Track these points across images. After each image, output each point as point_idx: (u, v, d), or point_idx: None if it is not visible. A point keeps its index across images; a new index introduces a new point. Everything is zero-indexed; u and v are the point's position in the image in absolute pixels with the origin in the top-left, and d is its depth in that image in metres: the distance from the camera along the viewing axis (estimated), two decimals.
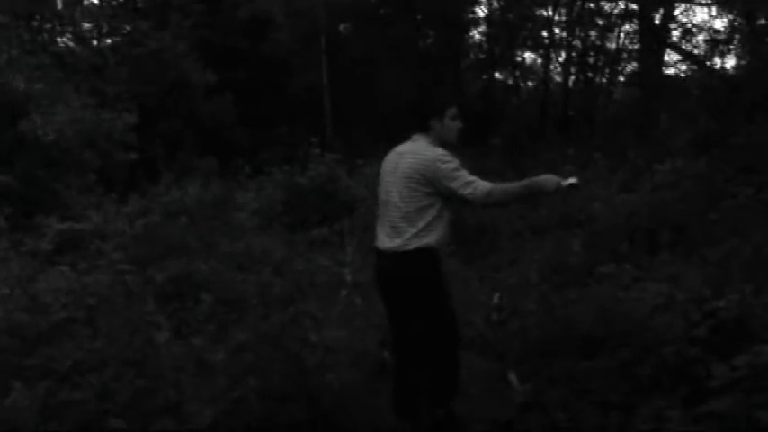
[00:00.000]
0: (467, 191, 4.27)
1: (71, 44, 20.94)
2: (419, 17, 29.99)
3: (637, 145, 14.43)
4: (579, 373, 4.62)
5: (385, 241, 4.48)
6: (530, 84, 32.64)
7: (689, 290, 4.62)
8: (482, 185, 4.29)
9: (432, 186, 4.34)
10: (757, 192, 8.97)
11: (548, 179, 4.27)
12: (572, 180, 4.26)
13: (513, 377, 5.16)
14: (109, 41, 22.46)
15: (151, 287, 7.13)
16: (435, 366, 4.46)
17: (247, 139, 20.89)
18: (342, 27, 29.73)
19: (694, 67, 22.48)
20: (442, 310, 4.44)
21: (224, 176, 13.61)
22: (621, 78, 31.23)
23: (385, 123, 25.20)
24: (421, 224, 4.35)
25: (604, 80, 31.45)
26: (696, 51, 20.34)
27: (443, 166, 4.32)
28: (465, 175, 4.32)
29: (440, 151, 4.38)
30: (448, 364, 4.47)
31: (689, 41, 20.35)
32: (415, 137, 4.56)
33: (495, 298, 7.04)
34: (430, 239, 4.34)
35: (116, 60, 19.28)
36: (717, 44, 18.48)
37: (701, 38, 24.03)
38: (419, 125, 4.55)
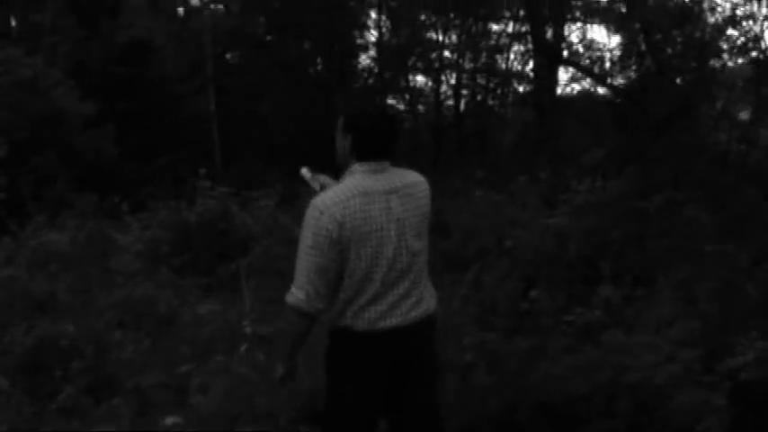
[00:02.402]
0: None
1: None
2: (307, 43, 29.29)
3: (546, 164, 13.79)
4: None
5: (404, 312, 3.28)
6: (420, 108, 32.24)
7: (683, 342, 3.74)
8: None
9: None
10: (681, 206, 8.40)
11: None
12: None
13: None
14: None
15: (11, 357, 5.90)
16: None
17: (131, 172, 19.44)
18: (229, 55, 28.75)
19: (590, 84, 22.29)
20: None
21: (104, 215, 12.23)
22: (510, 99, 31.20)
23: (276, 152, 24.22)
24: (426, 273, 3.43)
25: (496, 101, 31.33)
26: (594, 68, 20.00)
27: None
28: None
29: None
30: None
31: (590, 59, 20.04)
32: (382, 165, 3.33)
33: None
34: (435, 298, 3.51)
35: None
36: (620, 60, 18.11)
37: (586, 54, 24.04)
38: (391, 150, 3.39)
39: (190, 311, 7.73)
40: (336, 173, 3.47)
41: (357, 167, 3.26)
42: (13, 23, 24.08)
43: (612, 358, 4.01)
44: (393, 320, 3.23)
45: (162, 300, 7.88)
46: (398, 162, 3.52)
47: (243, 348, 6.76)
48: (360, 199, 3.18)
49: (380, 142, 3.30)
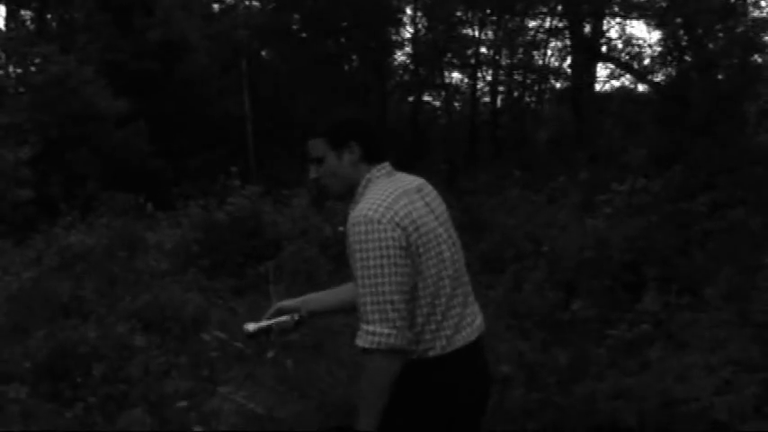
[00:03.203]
0: None
1: None
2: (343, 39, 29.11)
3: (586, 163, 13.43)
4: None
5: (470, 323, 2.76)
6: (456, 104, 31.95)
7: (740, 363, 3.42)
8: None
9: None
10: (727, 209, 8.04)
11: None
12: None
13: None
14: (11, 69, 20.88)
15: (30, 364, 5.72)
16: None
17: (164, 170, 19.36)
18: (264, 52, 28.64)
19: (629, 81, 21.82)
20: None
21: (134, 213, 12.08)
22: (547, 96, 30.80)
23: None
24: None
25: (533, 98, 30.97)
26: (634, 65, 19.56)
27: None
28: None
29: None
30: None
31: (629, 55, 19.58)
32: (389, 166, 2.88)
33: None
34: None
35: (16, 88, 17.63)
36: (661, 56, 17.66)
37: (625, 51, 23.56)
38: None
39: (218, 314, 7.54)
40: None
41: (375, 173, 2.81)
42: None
43: (664, 382, 3.67)
44: (465, 332, 2.72)
45: (189, 302, 7.68)
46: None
47: (270, 354, 6.55)
48: (405, 199, 2.71)
49: (385, 142, 2.94)
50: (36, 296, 7.14)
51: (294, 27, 28.72)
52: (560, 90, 29.32)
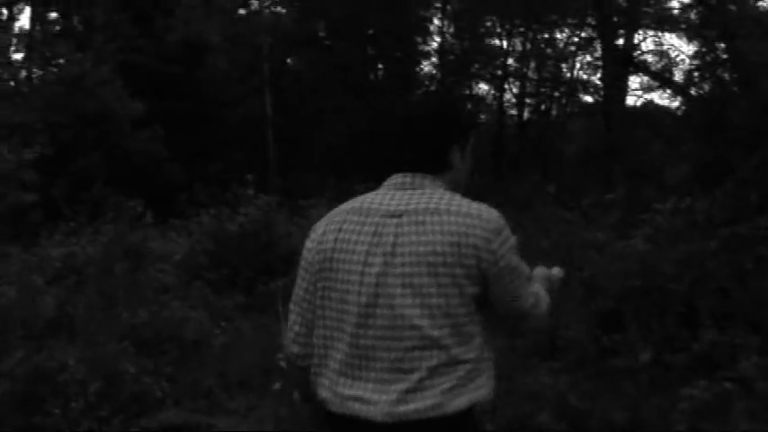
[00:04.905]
0: (529, 302, 2.20)
1: None
2: (369, 48, 28.61)
3: (620, 180, 12.65)
4: None
5: (374, 397, 2.05)
6: (482, 116, 31.34)
7: None
8: (544, 294, 2.29)
9: (477, 282, 2.07)
10: None
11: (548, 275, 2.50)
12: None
13: None
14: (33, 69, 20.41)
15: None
16: None
17: (180, 176, 18.71)
18: (289, 59, 28.14)
19: (667, 95, 21.06)
20: None
21: (143, 221, 11.39)
22: (576, 109, 30.10)
23: (334, 159, 23.37)
24: (467, 355, 2.05)
25: (561, 111, 30.30)
26: (669, 78, 18.80)
27: (509, 245, 2.13)
28: (526, 270, 2.26)
29: (495, 213, 2.17)
30: None
31: (665, 69, 18.82)
32: (409, 179, 2.24)
33: None
34: (482, 389, 2.09)
35: (30, 87, 17.09)
36: (698, 69, 16.87)
37: (660, 63, 22.83)
38: (431, 157, 2.25)
39: (222, 337, 6.87)
40: None
41: (384, 182, 2.31)
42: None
43: None
44: (352, 405, 2.09)
45: (192, 321, 7.00)
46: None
47: (276, 386, 5.87)
48: (351, 217, 2.21)
49: (391, 147, 2.30)
50: (18, 311, 6.44)
51: (320, 34, 28.21)
52: (590, 103, 28.60)
